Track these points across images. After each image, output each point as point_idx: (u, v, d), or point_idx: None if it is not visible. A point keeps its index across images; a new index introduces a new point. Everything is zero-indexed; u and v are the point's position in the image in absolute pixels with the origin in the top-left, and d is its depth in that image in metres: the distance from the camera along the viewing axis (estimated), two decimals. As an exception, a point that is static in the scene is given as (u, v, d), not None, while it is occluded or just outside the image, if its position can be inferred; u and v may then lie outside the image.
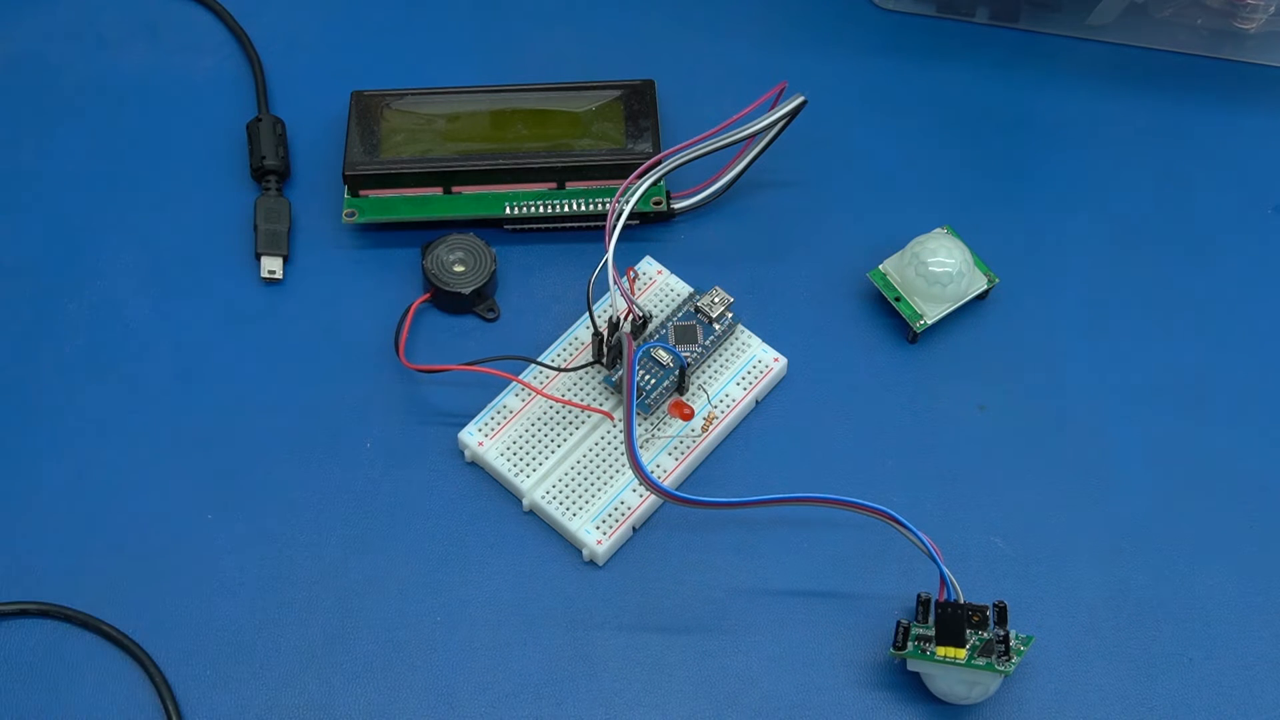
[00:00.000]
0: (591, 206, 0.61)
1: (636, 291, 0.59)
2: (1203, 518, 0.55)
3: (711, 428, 0.56)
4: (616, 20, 0.69)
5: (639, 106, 0.63)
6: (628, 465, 0.51)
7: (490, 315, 0.60)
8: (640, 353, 0.55)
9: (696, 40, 0.68)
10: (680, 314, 0.58)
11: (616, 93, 0.63)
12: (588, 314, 0.56)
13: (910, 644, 0.50)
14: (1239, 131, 0.65)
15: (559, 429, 0.56)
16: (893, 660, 0.51)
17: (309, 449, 0.56)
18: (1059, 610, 0.53)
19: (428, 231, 0.61)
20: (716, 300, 0.58)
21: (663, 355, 0.56)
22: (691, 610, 0.53)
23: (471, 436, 0.56)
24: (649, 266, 0.60)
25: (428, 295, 0.59)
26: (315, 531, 0.54)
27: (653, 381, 0.56)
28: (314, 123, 0.65)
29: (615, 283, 0.53)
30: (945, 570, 0.50)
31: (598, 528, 0.54)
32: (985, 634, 0.50)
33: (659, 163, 0.58)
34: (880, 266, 0.59)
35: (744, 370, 0.57)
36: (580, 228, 0.62)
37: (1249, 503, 0.55)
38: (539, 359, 0.57)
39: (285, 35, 0.68)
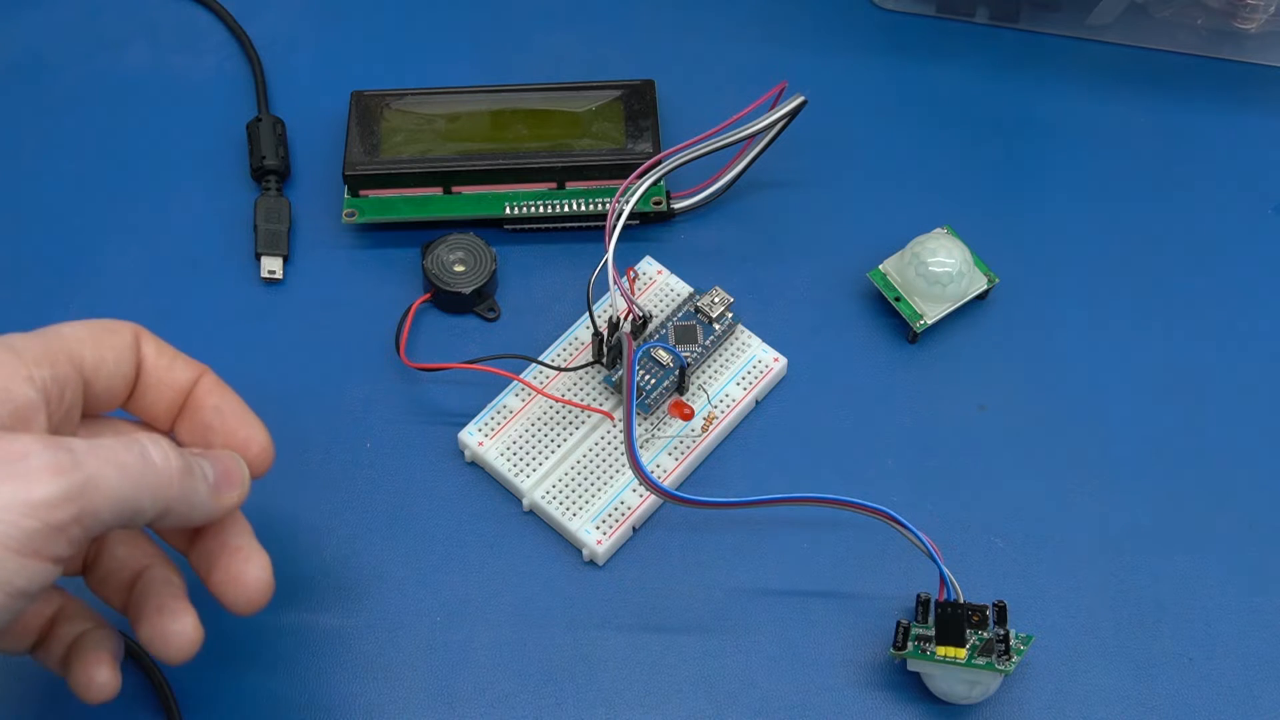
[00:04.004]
0: (591, 206, 0.61)
1: (636, 291, 0.59)
2: (1203, 518, 0.55)
3: (711, 428, 0.56)
4: (616, 20, 0.69)
5: (639, 106, 0.63)
6: (628, 465, 0.51)
7: (490, 315, 0.60)
8: (640, 353, 0.55)
9: (696, 40, 0.68)
10: (680, 314, 0.58)
11: (616, 93, 0.63)
12: (588, 314, 0.56)
13: (910, 644, 0.50)
14: (1239, 131, 0.65)
15: (559, 429, 0.56)
16: (893, 660, 0.51)
17: (309, 449, 0.56)
18: (1059, 610, 0.53)
19: (428, 231, 0.61)
20: (716, 300, 0.58)
21: (663, 355, 0.56)
22: (691, 610, 0.53)
23: (471, 436, 0.56)
24: (649, 266, 0.60)
25: (428, 295, 0.59)
26: (315, 531, 0.54)
27: (653, 381, 0.56)
28: (314, 123, 0.65)
29: (615, 283, 0.53)
30: (945, 570, 0.50)
31: (598, 528, 0.54)
32: (985, 634, 0.49)
33: (659, 163, 0.58)
34: (880, 266, 0.59)
35: (744, 370, 0.57)
36: (580, 228, 0.62)
37: (1249, 503, 0.55)
38: (539, 359, 0.57)
39: (285, 35, 0.68)
